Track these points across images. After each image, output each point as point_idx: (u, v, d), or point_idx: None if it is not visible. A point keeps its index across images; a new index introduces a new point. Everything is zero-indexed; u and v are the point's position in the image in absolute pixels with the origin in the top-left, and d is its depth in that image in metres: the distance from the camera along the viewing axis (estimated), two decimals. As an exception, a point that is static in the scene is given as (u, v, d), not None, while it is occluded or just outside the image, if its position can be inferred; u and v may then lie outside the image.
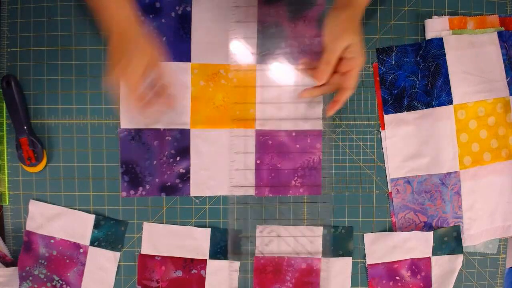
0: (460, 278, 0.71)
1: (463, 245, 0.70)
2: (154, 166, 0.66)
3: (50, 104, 0.65)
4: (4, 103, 0.63)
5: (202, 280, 0.66)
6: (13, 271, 0.64)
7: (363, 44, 0.64)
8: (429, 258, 0.69)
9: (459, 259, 0.69)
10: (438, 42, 0.68)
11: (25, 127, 0.63)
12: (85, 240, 0.65)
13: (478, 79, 0.69)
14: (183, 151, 0.66)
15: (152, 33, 0.58)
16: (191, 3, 0.65)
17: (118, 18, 0.54)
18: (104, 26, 0.56)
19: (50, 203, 0.65)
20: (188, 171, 0.66)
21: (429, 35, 0.69)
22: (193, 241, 0.66)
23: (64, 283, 0.65)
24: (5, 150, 0.65)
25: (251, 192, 0.67)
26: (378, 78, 0.69)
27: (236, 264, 0.67)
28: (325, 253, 0.68)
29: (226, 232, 0.66)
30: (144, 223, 0.66)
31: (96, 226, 0.65)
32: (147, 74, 0.55)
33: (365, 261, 0.69)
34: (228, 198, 0.67)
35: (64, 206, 0.65)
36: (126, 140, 0.65)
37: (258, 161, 0.67)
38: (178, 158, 0.66)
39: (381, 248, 0.69)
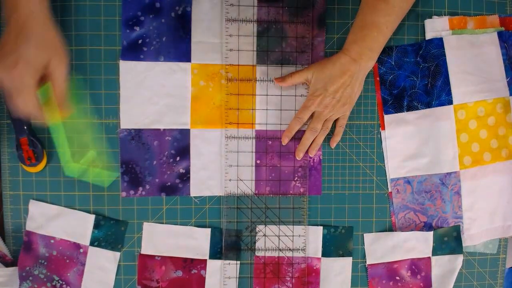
0: (460, 278, 0.71)
1: (463, 245, 0.70)
2: (154, 166, 0.66)
3: (50, 104, 0.65)
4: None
5: (202, 280, 0.66)
6: (13, 271, 0.64)
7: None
8: (429, 258, 0.69)
9: (459, 259, 0.69)
10: (438, 42, 0.68)
11: (25, 127, 0.63)
12: (85, 240, 0.65)
13: (478, 79, 0.69)
14: (183, 151, 0.66)
15: (59, 32, 0.53)
16: (191, 3, 0.65)
17: (31, 8, 0.50)
18: (5, 8, 0.51)
19: (50, 203, 0.65)
20: (188, 171, 0.66)
21: (429, 35, 0.69)
22: (193, 241, 0.66)
23: (64, 283, 0.65)
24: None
25: (251, 192, 0.67)
26: (378, 78, 0.69)
27: (236, 264, 0.67)
28: (325, 253, 0.68)
29: (225, 233, 0.66)
30: (144, 223, 0.66)
31: (96, 226, 0.65)
32: (39, 76, 0.50)
33: (365, 261, 0.69)
34: (227, 198, 0.67)
35: (64, 206, 0.65)
36: (126, 140, 0.65)
37: (258, 161, 0.67)
38: (178, 158, 0.66)
39: (381, 248, 0.69)
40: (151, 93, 0.65)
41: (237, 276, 0.67)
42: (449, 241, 0.69)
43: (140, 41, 0.64)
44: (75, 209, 0.65)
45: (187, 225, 0.67)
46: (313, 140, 0.65)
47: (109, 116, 0.65)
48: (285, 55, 0.67)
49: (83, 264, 0.65)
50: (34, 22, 0.50)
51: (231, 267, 0.67)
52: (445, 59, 0.69)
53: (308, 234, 0.68)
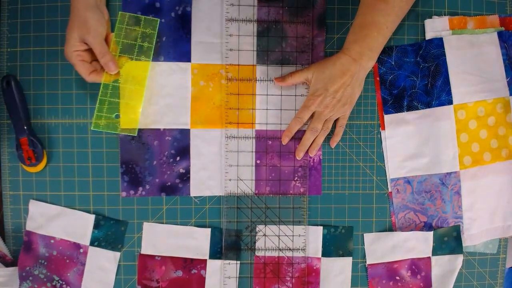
0: (460, 278, 0.71)
1: (463, 245, 0.70)
2: (154, 166, 0.66)
3: (50, 104, 0.65)
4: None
5: (202, 280, 0.66)
6: (13, 271, 0.64)
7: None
8: (429, 258, 0.69)
9: (459, 259, 0.69)
10: (438, 42, 0.68)
11: (25, 127, 0.63)
12: (85, 240, 0.65)
13: (478, 79, 0.69)
14: (183, 151, 0.66)
15: (102, 11, 0.61)
16: (191, 3, 0.65)
17: None
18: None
19: (50, 203, 0.65)
20: (188, 171, 0.66)
21: (429, 35, 0.69)
22: (193, 241, 0.66)
23: (64, 283, 0.65)
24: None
25: (251, 192, 0.67)
26: (378, 78, 0.69)
27: (236, 264, 0.67)
28: (325, 253, 0.68)
29: (225, 232, 0.66)
30: (144, 223, 0.66)
31: (96, 226, 0.65)
32: (84, 47, 0.60)
33: (365, 261, 0.69)
34: (227, 198, 0.67)
35: (64, 206, 0.65)
36: (126, 140, 0.65)
37: (258, 161, 0.67)
38: (178, 158, 0.66)
39: (381, 248, 0.69)
40: (151, 93, 0.65)
41: (237, 276, 0.67)
42: (449, 241, 0.69)
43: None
44: (75, 209, 0.65)
45: (187, 225, 0.67)
46: (313, 140, 0.66)
47: (109, 116, 0.65)
48: (285, 55, 0.67)
49: (83, 264, 0.65)
50: (74, 5, 0.59)
51: (231, 267, 0.67)
52: (445, 59, 0.69)
53: (308, 234, 0.68)
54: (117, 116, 0.64)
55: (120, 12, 0.64)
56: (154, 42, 0.64)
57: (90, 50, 0.60)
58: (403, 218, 0.70)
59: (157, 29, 0.64)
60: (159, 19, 0.64)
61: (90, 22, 0.58)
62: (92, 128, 0.63)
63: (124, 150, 0.65)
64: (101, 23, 0.60)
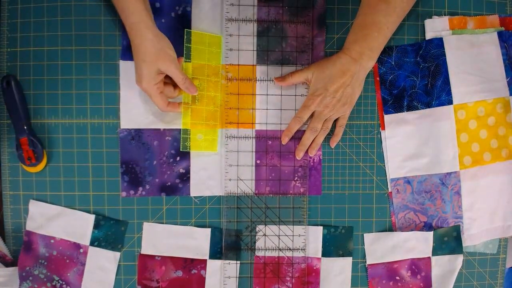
0: (460, 278, 0.71)
1: (463, 245, 0.70)
2: (154, 166, 0.66)
3: (50, 104, 0.65)
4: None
5: (202, 280, 0.66)
6: (13, 271, 0.64)
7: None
8: (429, 258, 0.69)
9: (459, 259, 0.69)
10: (438, 42, 0.68)
11: (25, 127, 0.63)
12: (85, 240, 0.65)
13: (478, 79, 0.69)
14: (183, 151, 0.66)
15: (164, 36, 0.59)
16: (191, 3, 0.65)
17: (130, 21, 0.56)
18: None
19: (50, 203, 0.65)
20: (188, 171, 0.66)
21: (429, 35, 0.69)
22: (193, 241, 0.66)
23: (64, 283, 0.65)
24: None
25: (251, 191, 0.67)
26: (378, 78, 0.69)
27: (236, 264, 0.67)
28: (325, 253, 0.68)
29: (225, 232, 0.66)
30: (144, 223, 0.66)
31: (96, 226, 0.65)
32: (162, 78, 0.59)
33: (365, 261, 0.69)
34: (227, 198, 0.67)
35: (64, 206, 0.65)
36: (126, 140, 0.65)
37: (258, 161, 0.67)
38: (178, 158, 0.66)
39: (381, 248, 0.69)
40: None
41: (237, 276, 0.67)
42: (449, 241, 0.69)
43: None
44: (75, 209, 0.65)
45: (187, 225, 0.67)
46: (313, 140, 0.65)
47: (109, 116, 0.65)
48: (285, 55, 0.67)
49: (83, 264, 0.65)
50: (135, 37, 0.56)
51: (231, 267, 0.67)
52: (445, 59, 0.69)
53: (308, 234, 0.68)
54: (200, 137, 0.66)
55: (186, 30, 0.64)
56: (221, 60, 0.66)
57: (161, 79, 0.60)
58: (403, 218, 0.70)
59: (221, 47, 0.65)
60: (222, 36, 0.65)
61: (167, 50, 0.58)
62: (181, 150, 0.65)
63: (124, 150, 0.65)
64: (172, 48, 0.59)
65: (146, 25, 0.56)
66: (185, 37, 0.65)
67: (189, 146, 0.65)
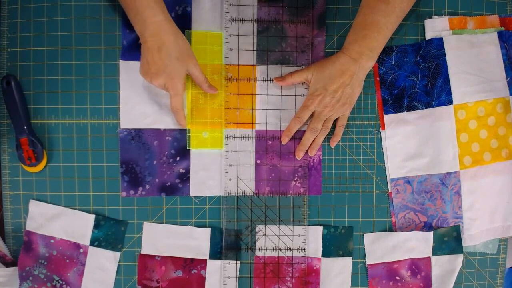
0: (460, 278, 0.71)
1: (463, 245, 0.70)
2: (154, 166, 0.66)
3: (50, 104, 0.65)
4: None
5: (202, 280, 0.66)
6: (13, 271, 0.64)
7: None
8: (429, 258, 0.69)
9: (459, 259, 0.69)
10: (438, 42, 0.68)
11: (25, 127, 0.63)
12: (85, 240, 0.65)
13: (478, 79, 0.69)
14: (183, 151, 0.66)
15: (183, 35, 0.60)
16: (191, 3, 0.65)
17: (157, 19, 0.56)
18: (138, 31, 0.57)
19: (50, 203, 0.65)
20: (188, 171, 0.66)
21: (429, 35, 0.69)
22: (193, 241, 0.66)
23: (64, 283, 0.65)
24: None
25: (251, 191, 0.67)
26: (378, 78, 0.69)
27: (236, 264, 0.67)
28: (325, 253, 0.68)
29: (225, 232, 0.67)
30: (144, 223, 0.66)
31: (96, 226, 0.65)
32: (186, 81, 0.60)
33: (365, 261, 0.69)
34: (227, 198, 0.67)
35: (64, 206, 0.65)
36: (126, 140, 0.65)
37: (258, 161, 0.67)
38: (178, 158, 0.66)
39: (381, 248, 0.69)
40: (151, 93, 0.65)
41: (237, 276, 0.67)
42: (449, 241, 0.69)
43: (140, 41, 0.64)
44: (75, 209, 0.65)
45: (187, 225, 0.67)
46: (313, 140, 0.65)
47: (109, 116, 0.65)
48: (285, 55, 0.67)
49: (83, 264, 0.65)
50: (166, 34, 0.56)
51: (231, 267, 0.67)
52: (445, 59, 0.69)
53: (308, 234, 0.68)
54: (206, 135, 0.66)
55: (186, 31, 0.65)
56: (223, 57, 0.66)
57: None
58: (403, 218, 0.70)
59: (222, 44, 0.65)
60: (222, 33, 0.65)
61: (191, 50, 0.59)
62: (187, 148, 0.66)
63: (124, 150, 0.65)
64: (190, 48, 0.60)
65: (173, 24, 0.57)
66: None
67: (195, 144, 0.66)
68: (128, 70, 0.65)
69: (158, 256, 0.66)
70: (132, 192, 0.66)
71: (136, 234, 0.66)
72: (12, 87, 0.63)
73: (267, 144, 0.67)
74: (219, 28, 0.66)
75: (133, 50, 0.64)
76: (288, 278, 0.67)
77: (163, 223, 0.66)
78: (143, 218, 0.66)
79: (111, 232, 0.65)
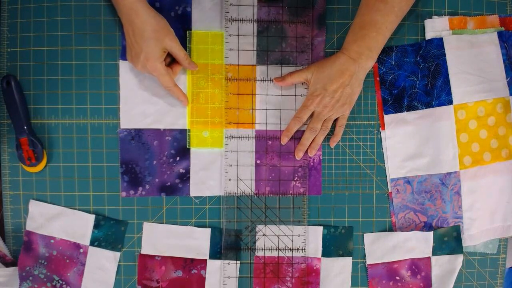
0: (460, 278, 0.71)
1: (463, 245, 0.70)
2: (154, 166, 0.66)
3: (50, 104, 0.65)
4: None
5: (202, 280, 0.66)
6: (13, 271, 0.64)
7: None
8: (429, 258, 0.69)
9: (459, 259, 0.69)
10: (438, 42, 0.68)
11: (25, 127, 0.63)
12: (85, 240, 0.65)
13: (478, 79, 0.69)
14: (183, 151, 0.66)
15: (159, 14, 0.59)
16: (191, 3, 0.65)
17: (128, 1, 0.56)
18: (118, 14, 0.59)
19: (50, 203, 0.65)
20: (188, 171, 0.66)
21: (429, 35, 0.69)
22: (193, 241, 0.66)
23: (64, 283, 0.65)
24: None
25: (251, 192, 0.67)
26: (378, 78, 0.69)
27: (236, 264, 0.67)
28: (325, 253, 0.68)
29: (225, 232, 0.67)
30: (144, 223, 0.66)
31: (96, 226, 0.65)
32: (164, 57, 0.59)
33: (365, 261, 0.69)
34: (227, 198, 0.67)
35: (64, 206, 0.65)
36: (126, 140, 0.65)
37: (258, 161, 0.67)
38: (178, 158, 0.66)
39: (381, 248, 0.69)
40: (151, 93, 0.65)
41: (237, 276, 0.67)
42: (449, 241, 0.69)
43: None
44: (75, 209, 0.65)
45: (187, 225, 0.67)
46: (313, 140, 0.65)
47: (109, 116, 0.65)
48: (285, 55, 0.67)
49: (83, 264, 0.65)
50: (136, 15, 0.56)
51: (231, 267, 0.67)
52: (445, 59, 0.69)
53: (308, 234, 0.68)
54: (206, 134, 0.66)
55: (187, 32, 0.65)
56: (224, 57, 0.66)
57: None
58: (403, 218, 0.70)
59: (223, 44, 0.65)
60: (223, 32, 0.65)
61: (169, 27, 0.59)
62: (187, 147, 0.66)
63: (124, 150, 0.65)
64: (169, 25, 0.60)
65: (145, 4, 0.57)
66: (187, 38, 0.65)
67: (196, 143, 0.66)
68: (128, 70, 0.65)
69: (158, 256, 0.66)
70: (132, 192, 0.66)
71: (136, 234, 0.66)
72: (12, 87, 0.63)
73: (267, 144, 0.67)
74: (219, 28, 0.66)
75: (133, 50, 0.64)
76: (288, 278, 0.67)
77: (163, 223, 0.66)
78: (143, 218, 0.66)
79: (111, 232, 0.65)
